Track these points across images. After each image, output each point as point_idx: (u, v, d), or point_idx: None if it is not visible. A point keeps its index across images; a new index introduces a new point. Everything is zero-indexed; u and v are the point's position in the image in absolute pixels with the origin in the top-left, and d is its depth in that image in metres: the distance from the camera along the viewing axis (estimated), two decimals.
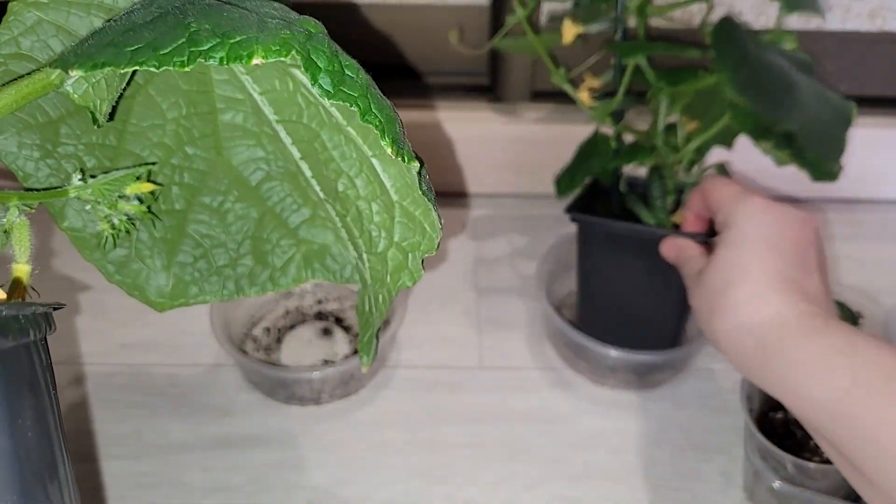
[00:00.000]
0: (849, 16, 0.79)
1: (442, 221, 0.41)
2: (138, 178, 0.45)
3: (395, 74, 0.87)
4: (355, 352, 0.70)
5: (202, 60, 0.32)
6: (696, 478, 0.60)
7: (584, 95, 0.59)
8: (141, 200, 0.45)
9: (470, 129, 0.81)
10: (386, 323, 0.73)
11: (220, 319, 0.66)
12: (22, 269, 0.39)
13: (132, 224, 0.46)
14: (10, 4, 0.40)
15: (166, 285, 0.50)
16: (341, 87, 0.34)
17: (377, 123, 0.35)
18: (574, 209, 0.61)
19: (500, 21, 0.84)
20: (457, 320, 0.71)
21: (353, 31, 0.85)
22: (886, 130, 0.82)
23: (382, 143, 0.35)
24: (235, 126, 0.47)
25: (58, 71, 0.35)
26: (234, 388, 0.68)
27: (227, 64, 0.33)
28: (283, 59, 0.33)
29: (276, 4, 0.38)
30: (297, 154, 0.46)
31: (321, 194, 0.48)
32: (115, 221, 0.44)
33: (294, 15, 0.37)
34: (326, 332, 0.72)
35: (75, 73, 0.34)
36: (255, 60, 0.32)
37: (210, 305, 0.67)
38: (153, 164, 0.47)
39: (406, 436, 0.64)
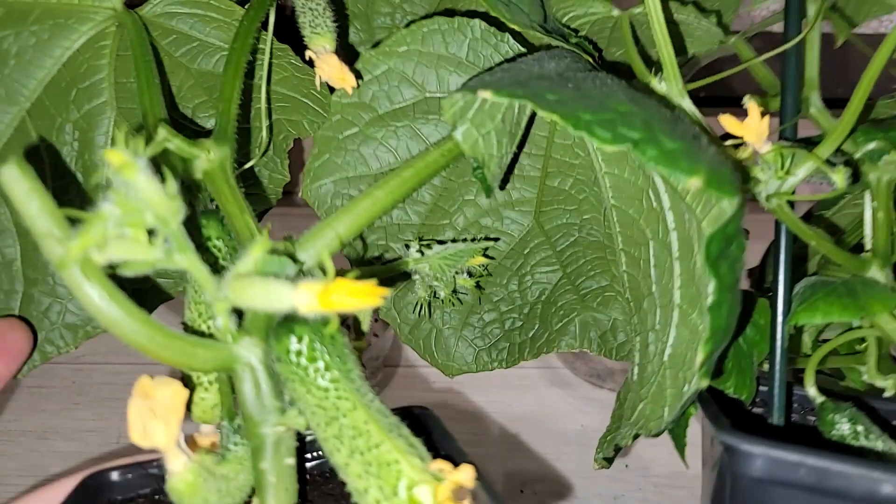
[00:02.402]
0: None
1: None
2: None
3: None
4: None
5: (630, 147, 0.27)
6: (694, 475, 0.60)
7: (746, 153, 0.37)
8: (470, 274, 0.43)
9: None
10: (386, 324, 0.73)
11: None
12: None
13: (457, 298, 0.44)
14: (363, 54, 0.40)
15: (454, 348, 0.47)
16: None
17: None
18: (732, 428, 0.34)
19: None
20: None
21: None
22: None
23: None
24: (560, 191, 0.44)
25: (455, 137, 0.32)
26: None
27: (655, 166, 0.27)
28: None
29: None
30: (619, 243, 0.41)
31: (627, 294, 0.43)
32: (441, 294, 0.42)
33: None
34: None
35: (486, 95, 0.30)
36: (692, 182, 0.26)
37: None
38: (495, 239, 0.45)
39: None
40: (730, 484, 0.34)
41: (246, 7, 0.39)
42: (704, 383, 0.30)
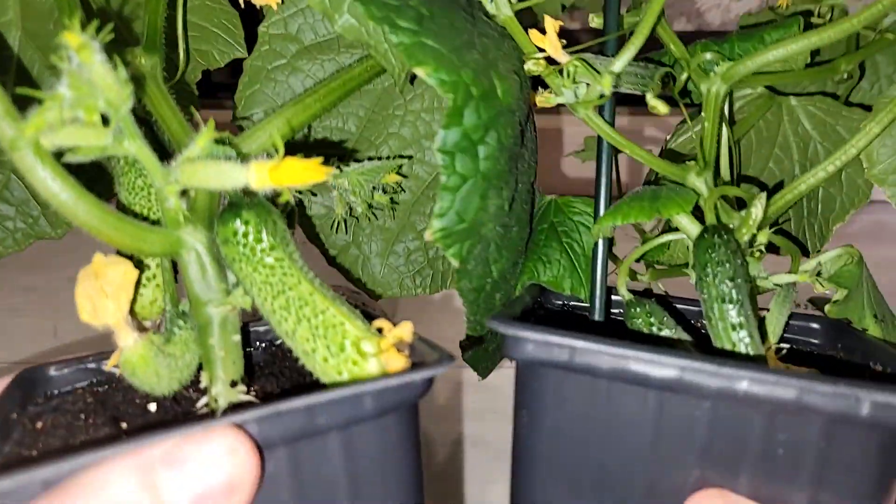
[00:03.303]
0: None
1: None
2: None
3: None
4: None
5: (387, 30, 0.32)
6: None
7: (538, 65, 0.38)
8: (385, 191, 0.44)
9: None
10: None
11: None
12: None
13: (373, 213, 0.46)
14: None
15: (380, 274, 0.49)
16: None
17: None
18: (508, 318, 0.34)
19: None
20: (456, 319, 0.71)
21: None
22: None
23: None
24: None
25: None
26: None
27: (398, 52, 0.32)
28: None
29: None
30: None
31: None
32: (358, 209, 0.43)
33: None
34: None
35: None
36: (418, 71, 0.32)
37: None
38: (409, 157, 0.47)
39: None
40: (515, 372, 0.35)
41: None
42: (456, 262, 0.33)
